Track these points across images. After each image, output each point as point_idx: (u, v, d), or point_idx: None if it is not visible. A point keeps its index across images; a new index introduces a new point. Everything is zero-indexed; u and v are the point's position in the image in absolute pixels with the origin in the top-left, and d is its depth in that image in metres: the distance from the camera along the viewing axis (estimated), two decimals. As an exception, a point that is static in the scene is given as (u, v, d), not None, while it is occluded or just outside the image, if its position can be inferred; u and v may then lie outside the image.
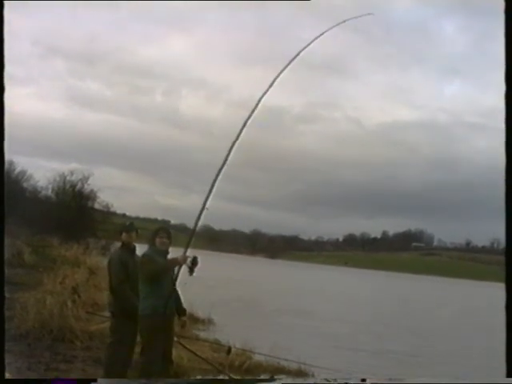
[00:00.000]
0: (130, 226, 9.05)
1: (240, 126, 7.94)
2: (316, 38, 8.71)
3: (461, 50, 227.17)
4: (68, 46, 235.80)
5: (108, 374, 8.55)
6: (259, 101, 8.24)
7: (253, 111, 8.15)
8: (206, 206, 7.74)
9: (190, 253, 7.78)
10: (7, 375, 8.85)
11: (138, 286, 8.01)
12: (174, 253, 7.94)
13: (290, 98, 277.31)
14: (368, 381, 10.25)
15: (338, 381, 10.06)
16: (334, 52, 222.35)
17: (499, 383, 8.11)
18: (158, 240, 7.98)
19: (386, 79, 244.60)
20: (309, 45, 8.66)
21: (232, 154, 7.90)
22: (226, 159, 7.89)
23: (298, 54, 8.55)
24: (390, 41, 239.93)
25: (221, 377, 10.83)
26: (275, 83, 8.26)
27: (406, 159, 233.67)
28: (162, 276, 7.72)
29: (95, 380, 7.34)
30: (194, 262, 7.77)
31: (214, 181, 7.83)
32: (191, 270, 7.81)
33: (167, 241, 7.97)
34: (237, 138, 7.97)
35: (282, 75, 8.30)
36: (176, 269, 7.82)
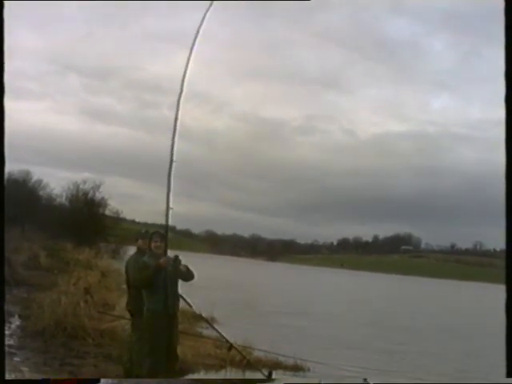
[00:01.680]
0: (146, 234, 9.16)
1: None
2: (204, 15, 8.54)
3: (449, 65, 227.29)
4: (82, 63, 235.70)
5: (140, 371, 8.54)
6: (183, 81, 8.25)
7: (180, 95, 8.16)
8: (170, 205, 7.83)
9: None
10: (24, 370, 8.90)
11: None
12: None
13: (289, 112, 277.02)
14: (369, 380, 10.27)
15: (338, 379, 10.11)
16: (330, 68, 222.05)
17: (499, 383, 8.07)
18: (153, 244, 8.04)
19: (378, 93, 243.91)
20: (201, 23, 8.53)
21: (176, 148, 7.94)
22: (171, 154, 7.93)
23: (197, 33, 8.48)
24: (382, 57, 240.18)
25: (223, 372, 10.86)
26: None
27: (397, 168, 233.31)
28: (151, 282, 7.76)
29: (98, 380, 7.34)
30: (176, 260, 7.82)
31: (169, 177, 7.88)
32: (177, 269, 7.86)
33: (161, 244, 7.97)
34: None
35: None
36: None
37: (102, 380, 7.35)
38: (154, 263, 7.79)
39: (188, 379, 9.96)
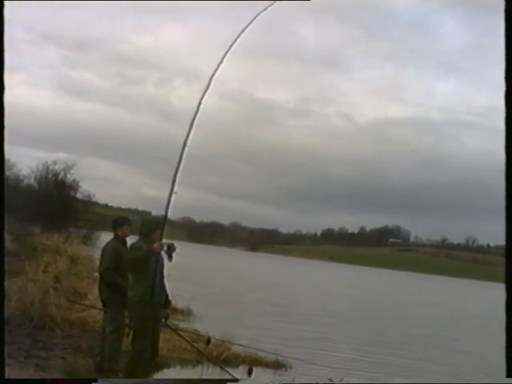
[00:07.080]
0: (125, 220, 9.21)
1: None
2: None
3: (458, 47, 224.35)
4: (60, 33, 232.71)
5: (112, 365, 8.49)
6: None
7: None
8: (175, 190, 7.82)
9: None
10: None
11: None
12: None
13: (282, 93, 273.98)
14: (345, 380, 10.34)
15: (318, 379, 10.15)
16: (329, 46, 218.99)
17: (499, 383, 8.16)
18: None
19: (380, 75, 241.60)
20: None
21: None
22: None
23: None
24: (387, 36, 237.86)
25: (200, 367, 10.86)
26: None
27: (394, 157, 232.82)
28: (142, 264, 7.70)
29: (96, 380, 7.33)
30: (171, 248, 7.80)
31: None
32: (170, 257, 7.85)
33: (159, 231, 8.00)
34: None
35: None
36: (165, 260, 7.86)
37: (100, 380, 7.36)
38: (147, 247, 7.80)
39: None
